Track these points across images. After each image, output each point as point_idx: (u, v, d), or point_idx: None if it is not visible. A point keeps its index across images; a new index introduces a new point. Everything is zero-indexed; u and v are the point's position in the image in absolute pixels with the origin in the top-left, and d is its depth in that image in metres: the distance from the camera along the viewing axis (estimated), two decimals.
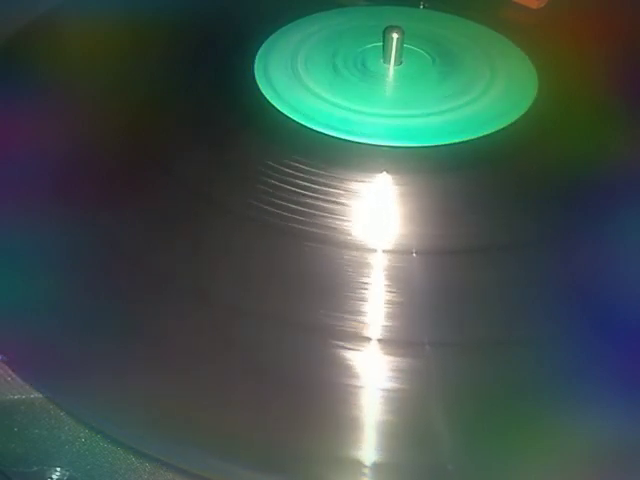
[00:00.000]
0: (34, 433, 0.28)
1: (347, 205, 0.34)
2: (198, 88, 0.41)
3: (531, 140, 0.38)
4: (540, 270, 0.32)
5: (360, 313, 0.30)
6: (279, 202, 0.34)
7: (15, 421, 0.28)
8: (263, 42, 0.43)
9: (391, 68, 0.41)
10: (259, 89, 0.40)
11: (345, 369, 0.29)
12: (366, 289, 0.31)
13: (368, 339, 0.29)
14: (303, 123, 0.38)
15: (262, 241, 0.33)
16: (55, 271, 0.32)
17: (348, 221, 0.33)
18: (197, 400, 0.28)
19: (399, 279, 0.31)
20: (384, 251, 0.32)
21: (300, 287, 0.31)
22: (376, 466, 0.26)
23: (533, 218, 0.34)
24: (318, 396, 0.28)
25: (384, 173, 0.35)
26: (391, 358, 0.29)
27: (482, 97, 0.40)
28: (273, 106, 0.39)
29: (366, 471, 0.26)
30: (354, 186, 0.34)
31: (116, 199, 0.35)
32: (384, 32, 0.41)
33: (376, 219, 0.34)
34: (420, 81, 0.41)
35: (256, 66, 0.42)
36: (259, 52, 0.43)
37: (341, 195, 0.34)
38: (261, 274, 0.32)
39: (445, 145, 0.36)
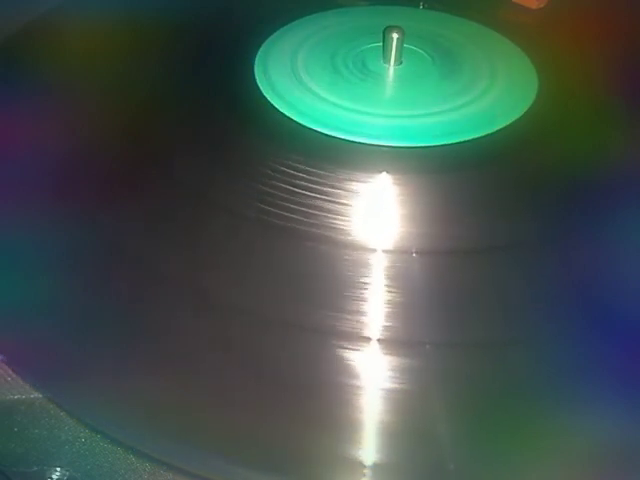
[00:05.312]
0: (34, 433, 0.28)
1: (347, 205, 0.34)
2: (198, 88, 0.41)
3: (531, 140, 0.38)
4: (540, 270, 0.32)
5: (360, 313, 0.30)
6: (279, 202, 0.34)
7: (15, 421, 0.28)
8: (263, 42, 0.43)
9: (391, 68, 0.41)
10: (259, 89, 0.40)
11: (345, 369, 0.29)
12: (366, 289, 0.31)
13: (368, 339, 0.29)
14: (303, 123, 0.37)
15: (262, 241, 0.33)
16: (55, 271, 0.32)
17: (348, 221, 0.33)
18: (197, 400, 0.28)
19: (399, 279, 0.31)
20: (384, 251, 0.32)
21: (300, 287, 0.31)
22: (376, 466, 0.26)
23: (533, 218, 0.34)
24: (318, 396, 0.28)
25: (384, 173, 0.35)
26: (391, 358, 0.29)
27: (482, 97, 0.40)
28: (273, 106, 0.39)
29: (366, 471, 0.26)
30: (354, 186, 0.34)
31: (116, 199, 0.35)
32: (384, 32, 0.41)
33: (376, 219, 0.34)
34: (420, 81, 0.41)
35: (256, 66, 0.42)
36: (259, 52, 0.43)
37: (341, 195, 0.34)
38: (261, 274, 0.32)
39: (445, 145, 0.36)
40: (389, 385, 0.28)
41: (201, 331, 0.30)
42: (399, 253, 0.32)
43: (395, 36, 0.40)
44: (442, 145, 0.36)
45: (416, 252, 0.32)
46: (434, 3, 0.48)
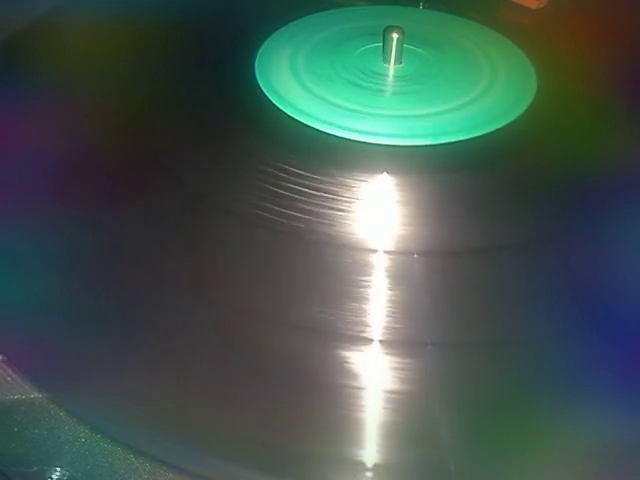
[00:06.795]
0: (34, 433, 0.28)
1: (347, 205, 0.34)
2: (199, 88, 0.41)
3: (531, 140, 0.38)
4: (540, 270, 0.32)
5: (361, 314, 0.30)
6: (279, 201, 0.34)
7: (15, 421, 0.28)
8: (263, 42, 0.44)
9: (391, 68, 0.41)
10: (260, 88, 0.40)
11: (346, 370, 0.29)
12: (367, 290, 0.31)
13: (369, 340, 0.29)
14: (304, 122, 0.38)
15: (262, 241, 0.33)
16: (55, 271, 0.32)
17: (348, 221, 0.33)
18: (197, 400, 0.28)
19: (400, 279, 0.31)
20: (385, 251, 0.32)
21: (301, 287, 0.31)
22: (377, 467, 0.26)
23: (533, 218, 0.34)
24: (319, 396, 0.28)
25: (384, 173, 0.35)
26: (393, 359, 0.29)
27: (482, 97, 0.40)
28: (274, 105, 0.39)
29: (367, 472, 0.26)
30: (354, 186, 0.34)
31: (116, 199, 0.35)
32: (384, 32, 0.41)
33: (376, 219, 0.34)
34: (420, 81, 0.41)
35: (257, 65, 0.42)
36: (260, 52, 0.43)
37: (341, 195, 0.34)
38: (261, 274, 0.32)
39: (445, 145, 0.36)
40: (390, 386, 0.28)
41: (201, 331, 0.30)
42: (400, 253, 0.32)
43: (395, 36, 0.41)
44: (442, 145, 0.36)
45: (417, 252, 0.32)
46: (434, 3, 0.48)
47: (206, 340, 0.30)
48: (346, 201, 0.34)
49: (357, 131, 0.37)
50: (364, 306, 0.30)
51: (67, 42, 0.44)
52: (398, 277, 0.32)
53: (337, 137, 0.37)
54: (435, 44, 0.43)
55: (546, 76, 0.41)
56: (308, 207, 0.34)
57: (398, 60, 0.41)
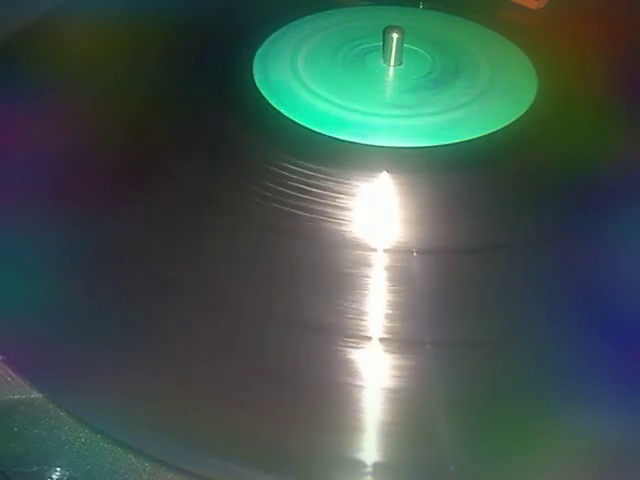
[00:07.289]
0: (34, 433, 0.28)
1: (347, 205, 0.34)
2: (198, 88, 0.41)
3: (531, 140, 0.38)
4: (540, 270, 0.32)
5: (361, 313, 0.30)
6: (279, 202, 0.34)
7: (15, 421, 0.28)
8: (263, 42, 0.44)
9: (391, 68, 0.41)
10: (258, 89, 0.40)
11: (346, 369, 0.29)
12: (367, 289, 0.31)
13: (369, 338, 0.29)
14: (302, 123, 0.37)
15: (262, 241, 0.33)
16: (55, 271, 0.32)
17: (348, 221, 0.33)
18: (197, 400, 0.28)
19: (400, 279, 0.31)
20: (384, 251, 0.32)
21: (301, 287, 0.31)
22: (377, 467, 0.26)
23: (533, 218, 0.34)
24: (319, 396, 0.28)
25: (384, 173, 0.35)
26: (392, 357, 0.29)
27: (482, 97, 0.40)
28: (272, 106, 0.39)
29: (367, 472, 0.26)
30: (354, 186, 0.34)
31: (115, 199, 0.35)
32: (384, 32, 0.41)
33: (376, 219, 0.34)
34: (420, 81, 0.41)
35: (255, 66, 0.42)
36: (259, 52, 0.43)
37: (341, 195, 0.34)
38: (261, 274, 0.32)
39: (445, 145, 0.36)
40: (390, 384, 0.28)
41: (201, 330, 0.30)
42: (399, 253, 0.32)
43: (395, 36, 0.41)
44: (442, 145, 0.36)
45: (416, 252, 0.32)
46: (434, 3, 0.48)
47: (206, 340, 0.30)
48: (346, 201, 0.34)
49: (357, 132, 0.37)
50: (364, 305, 0.30)
51: (67, 42, 0.44)
52: (398, 276, 0.32)
53: (337, 138, 0.37)
54: (435, 44, 0.43)
55: (546, 76, 0.41)
56: (308, 207, 0.34)
57: (398, 60, 0.41)
